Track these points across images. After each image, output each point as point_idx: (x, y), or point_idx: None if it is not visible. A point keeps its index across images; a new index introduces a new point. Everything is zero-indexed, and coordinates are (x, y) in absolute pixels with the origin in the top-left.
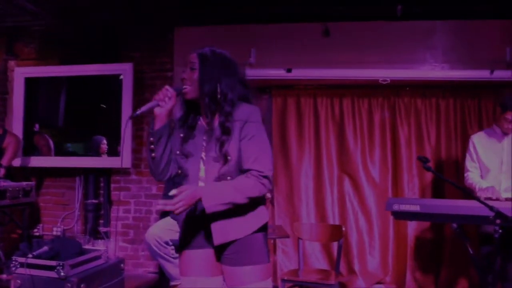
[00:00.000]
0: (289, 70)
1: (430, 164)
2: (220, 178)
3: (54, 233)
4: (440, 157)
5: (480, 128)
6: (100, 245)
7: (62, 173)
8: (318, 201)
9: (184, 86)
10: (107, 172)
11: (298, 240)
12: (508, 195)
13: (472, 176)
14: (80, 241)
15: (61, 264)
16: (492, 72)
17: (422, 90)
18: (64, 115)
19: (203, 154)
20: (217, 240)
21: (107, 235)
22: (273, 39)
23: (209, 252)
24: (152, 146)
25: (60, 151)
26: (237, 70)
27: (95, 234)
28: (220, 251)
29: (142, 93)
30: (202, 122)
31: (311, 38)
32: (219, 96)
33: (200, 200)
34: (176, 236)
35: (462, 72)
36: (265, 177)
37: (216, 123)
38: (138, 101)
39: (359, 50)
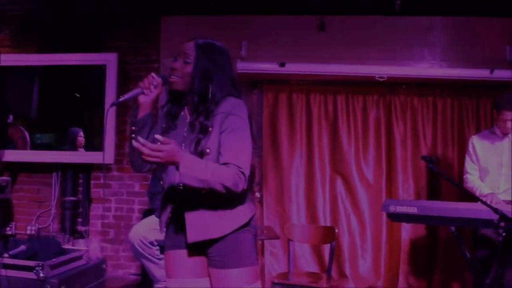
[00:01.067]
0: (282, 65)
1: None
2: None
3: (28, 232)
4: (436, 158)
5: (478, 129)
6: (80, 245)
7: (37, 168)
8: (309, 201)
9: (172, 76)
10: (86, 168)
11: (289, 241)
12: (507, 197)
13: (472, 179)
14: (59, 240)
15: (40, 264)
16: (492, 71)
17: (419, 89)
18: (40, 107)
19: (183, 146)
20: (191, 237)
21: (86, 234)
22: (265, 31)
23: (193, 253)
24: (134, 135)
25: (36, 145)
26: (231, 67)
27: (73, 233)
28: (204, 251)
29: (126, 85)
30: (186, 113)
31: (306, 31)
32: (210, 96)
33: (176, 164)
34: (161, 236)
35: (461, 71)
36: (243, 173)
37: (199, 119)
38: (121, 93)
39: (356, 45)
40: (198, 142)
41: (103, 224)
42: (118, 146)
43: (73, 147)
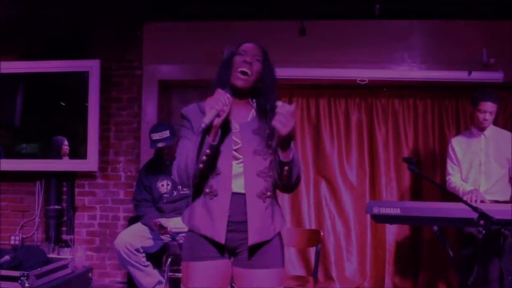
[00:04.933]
0: None
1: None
2: (261, 172)
3: (12, 242)
4: (418, 159)
5: (458, 129)
6: (66, 254)
7: (20, 177)
8: (293, 205)
9: (247, 71)
10: (70, 176)
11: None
12: (489, 197)
13: (454, 180)
14: (44, 249)
15: (25, 274)
16: (470, 73)
17: (400, 91)
18: (23, 115)
19: (234, 151)
20: (252, 239)
21: (71, 243)
22: (247, 36)
23: (221, 263)
24: (205, 158)
25: (21, 154)
26: None
27: (57, 242)
28: (234, 256)
29: (109, 92)
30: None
31: (287, 36)
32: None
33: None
34: (147, 243)
35: (440, 73)
36: None
37: (261, 119)
38: (104, 100)
39: (336, 49)
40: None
41: (88, 232)
42: (103, 153)
43: (58, 156)
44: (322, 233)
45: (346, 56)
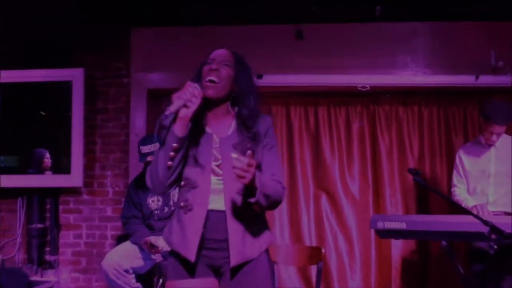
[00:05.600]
0: (259, 76)
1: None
2: (242, 190)
3: None
4: (424, 169)
5: (466, 137)
6: (50, 276)
7: (0, 193)
8: (292, 220)
9: (212, 78)
10: (54, 192)
11: (273, 264)
12: (497, 208)
13: (459, 192)
14: (26, 271)
15: None
16: (477, 77)
17: (403, 97)
18: (2, 126)
19: (213, 165)
20: (235, 260)
21: (55, 264)
22: (241, 42)
23: (205, 282)
24: (173, 153)
25: None
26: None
27: (41, 264)
28: (219, 275)
29: (94, 102)
30: (208, 129)
31: (283, 41)
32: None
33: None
34: (137, 263)
35: (446, 78)
36: (283, 188)
37: (241, 130)
38: (89, 111)
39: (336, 54)
40: (253, 153)
41: (74, 252)
42: (88, 168)
43: (39, 170)
44: (323, 250)
45: (346, 61)
